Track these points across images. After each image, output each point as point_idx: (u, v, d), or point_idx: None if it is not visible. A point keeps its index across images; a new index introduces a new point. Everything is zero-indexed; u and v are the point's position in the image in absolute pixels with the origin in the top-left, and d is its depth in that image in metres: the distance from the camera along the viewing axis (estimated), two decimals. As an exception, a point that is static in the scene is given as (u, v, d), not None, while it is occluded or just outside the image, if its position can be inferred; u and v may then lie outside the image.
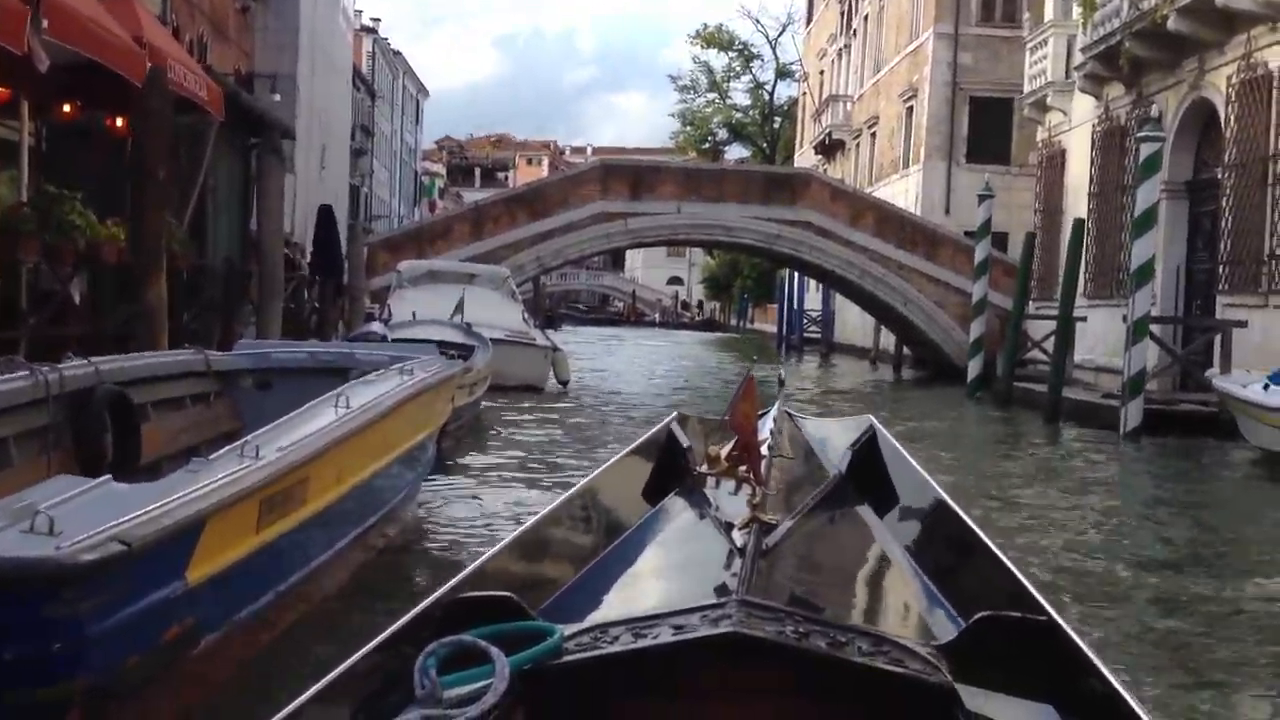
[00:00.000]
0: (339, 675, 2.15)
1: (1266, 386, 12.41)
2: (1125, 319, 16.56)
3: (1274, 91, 16.91)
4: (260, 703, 2.97)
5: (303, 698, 2.04)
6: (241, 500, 4.27)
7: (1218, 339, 17.18)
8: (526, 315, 21.43)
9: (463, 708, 1.99)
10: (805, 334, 45.35)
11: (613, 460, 4.20)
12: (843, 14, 48.01)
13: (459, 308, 17.72)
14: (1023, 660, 2.40)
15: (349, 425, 5.37)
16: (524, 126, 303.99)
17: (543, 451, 12.40)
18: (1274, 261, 16.79)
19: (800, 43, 60.18)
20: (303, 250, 22.87)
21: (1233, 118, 18.04)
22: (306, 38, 29.03)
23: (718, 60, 68.58)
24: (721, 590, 2.53)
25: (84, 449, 5.83)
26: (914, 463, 4.07)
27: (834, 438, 4.56)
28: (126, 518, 3.55)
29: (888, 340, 34.32)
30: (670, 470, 4.05)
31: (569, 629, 2.29)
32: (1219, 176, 18.83)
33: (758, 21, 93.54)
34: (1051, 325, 21.15)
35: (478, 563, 2.80)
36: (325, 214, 20.53)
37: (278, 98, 25.80)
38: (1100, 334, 22.22)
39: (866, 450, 4.24)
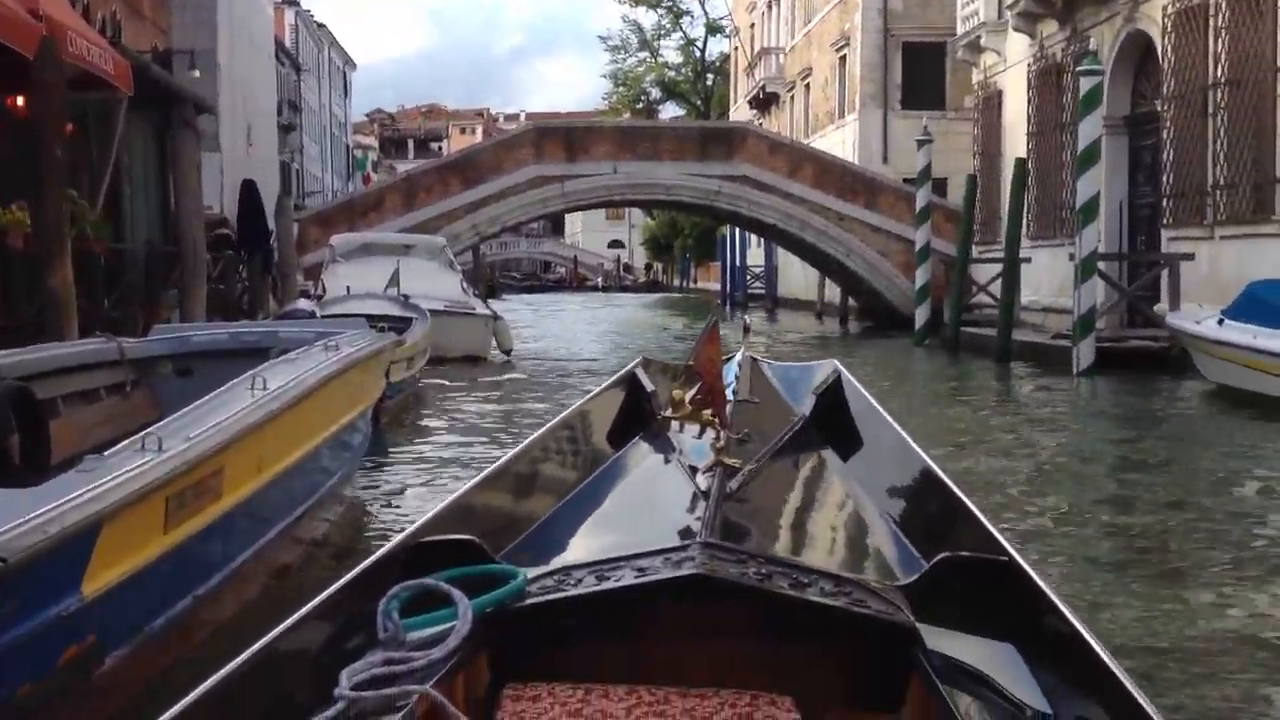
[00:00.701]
0: (301, 619, 2.10)
1: (1221, 321, 12.21)
2: (1072, 258, 16.36)
3: (1210, 20, 16.71)
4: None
5: (264, 640, 2.00)
6: (143, 499, 3.85)
7: (1164, 273, 17.03)
8: (465, 284, 21.00)
9: (425, 650, 2.01)
10: (749, 290, 45.15)
11: (578, 404, 4.13)
12: (771, -35, 47.57)
13: (394, 280, 17.25)
14: (983, 599, 2.40)
15: (267, 408, 4.94)
16: (456, 96, 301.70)
17: (487, 424, 12.00)
18: (1218, 192, 16.63)
19: (729, -3, 59.64)
20: (234, 229, 22.25)
21: (1170, 49, 17.84)
22: (225, 12, 28.28)
23: (647, 18, 67.94)
24: (685, 533, 2.49)
25: (-16, 451, 5.37)
26: (878, 407, 4.02)
27: (799, 382, 4.50)
28: (4, 528, 3.14)
29: (832, 293, 34.12)
30: (635, 414, 4.02)
31: (532, 572, 2.28)
32: (1158, 109, 18.65)
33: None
34: (996, 269, 20.99)
35: (441, 506, 2.77)
36: (248, 188, 19.91)
37: (197, 74, 25.11)
38: (1045, 274, 22.08)
39: (831, 394, 4.21)
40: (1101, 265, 16.79)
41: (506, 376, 16.95)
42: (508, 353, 19.52)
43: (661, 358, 5.63)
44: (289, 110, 48.61)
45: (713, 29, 65.44)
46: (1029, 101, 23.20)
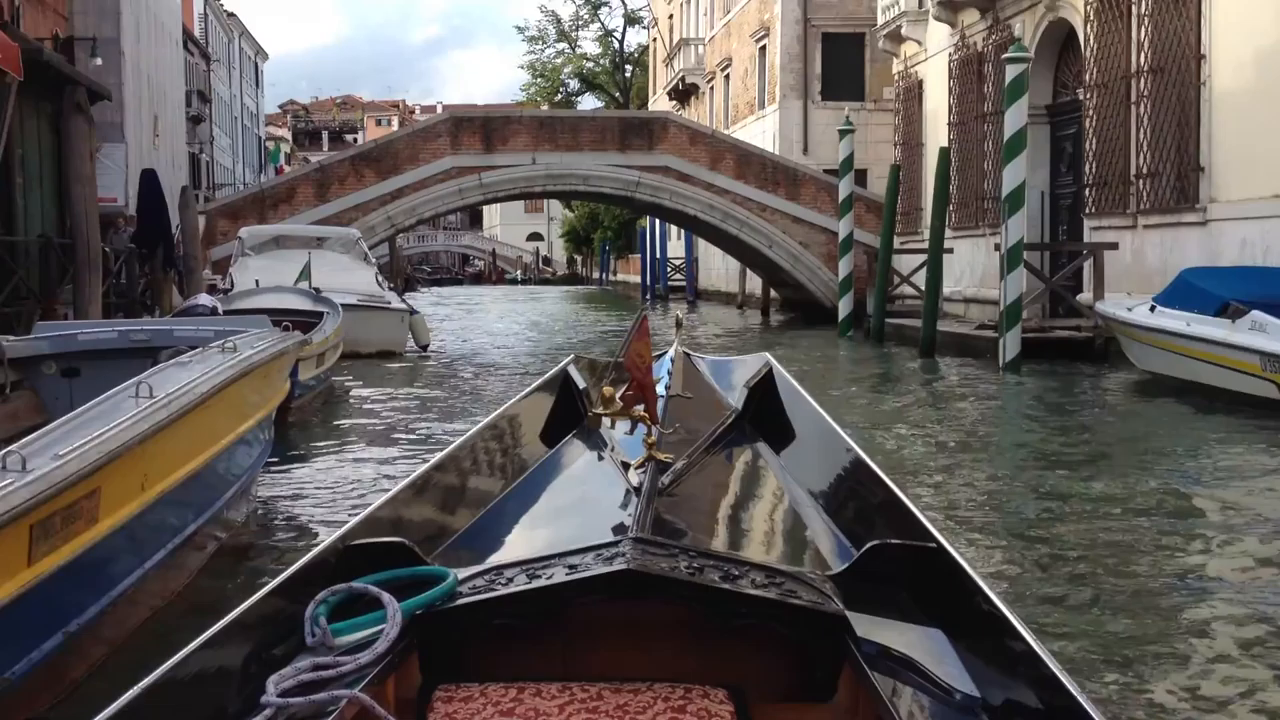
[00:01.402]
0: (227, 625, 2.06)
1: (1153, 309, 12.04)
2: (997, 248, 16.17)
3: (1133, 7, 16.62)
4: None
5: (189, 648, 1.95)
6: (3, 529, 3.38)
7: (1088, 263, 16.93)
8: (381, 278, 20.48)
9: (354, 654, 1.99)
10: (670, 283, 44.83)
11: (509, 403, 4.07)
12: (689, -45, 47.22)
13: (305, 273, 16.74)
14: (912, 586, 2.43)
15: (151, 420, 4.47)
16: (372, 88, 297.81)
17: (400, 423, 11.51)
18: (1141, 181, 16.56)
19: (647, -13, 59.22)
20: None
21: (1092, 37, 17.75)
22: (130, -1, 27.30)
23: (565, 8, 67.49)
24: (618, 530, 2.47)
25: None
26: (810, 399, 4.03)
27: (731, 376, 4.47)
28: None
29: (754, 285, 33.89)
30: (567, 412, 3.99)
31: (463, 573, 2.26)
32: (1080, 98, 18.58)
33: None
34: (918, 259, 20.83)
35: (370, 509, 2.72)
36: (148, 179, 19.11)
37: (99, 62, 24.31)
38: (966, 264, 21.99)
39: (763, 388, 4.19)
40: (1025, 255, 16.63)
41: (423, 373, 16.44)
42: (424, 348, 19.04)
43: (592, 354, 5.46)
44: (198, 101, 47.35)
45: (631, 20, 65.11)
46: (950, 91, 23.09)
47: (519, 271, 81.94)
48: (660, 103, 50.74)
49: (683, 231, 39.10)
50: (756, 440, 3.82)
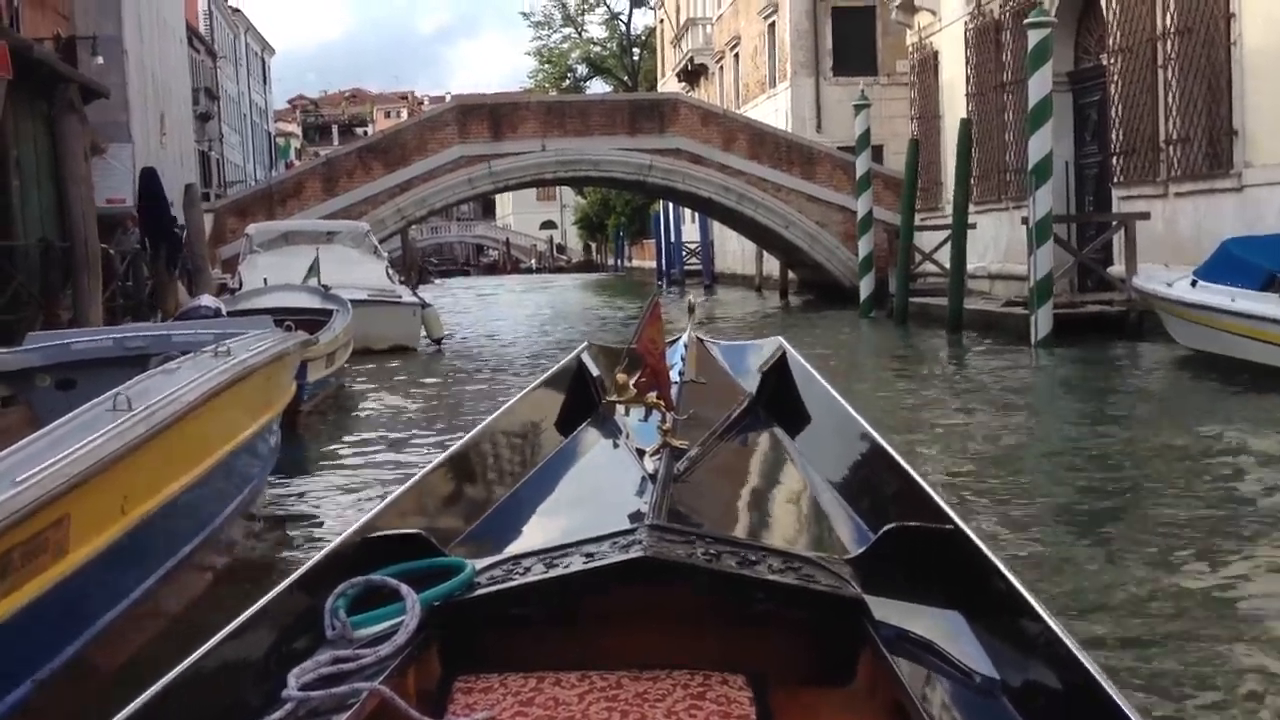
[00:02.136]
0: (247, 620, 2.07)
1: (1194, 283, 11.51)
2: (1024, 221, 15.65)
3: (1157, -32, 16.07)
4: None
5: (210, 643, 1.96)
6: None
7: (1118, 235, 16.41)
8: (392, 271, 20.10)
9: (374, 646, 1.99)
10: (685, 267, 44.35)
11: (523, 393, 4.05)
12: (694, -66, 46.64)
13: (314, 269, 16.35)
14: (930, 569, 2.41)
15: (130, 434, 4.05)
16: (381, 80, 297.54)
17: (417, 421, 11.12)
18: (1171, 147, 16.02)
19: (653, -32, 58.65)
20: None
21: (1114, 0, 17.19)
22: (131, -4, 26.92)
23: (570, -8, 66.85)
24: (634, 517, 2.44)
25: None
26: (824, 382, 4.01)
27: (745, 361, 4.47)
28: None
29: (771, 267, 33.41)
30: (582, 400, 3.99)
31: (480, 563, 2.26)
32: (1103, 63, 18.03)
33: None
34: (939, 236, 20.34)
35: (388, 500, 2.73)
36: (148, 176, 18.70)
37: (100, 60, 23.95)
38: (990, 239, 21.46)
39: (777, 371, 4.19)
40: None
41: (437, 368, 16.05)
42: (438, 342, 18.64)
43: (607, 341, 5.32)
44: (206, 99, 47.02)
45: (637, 2, 64.55)
46: (967, 62, 22.54)
47: (533, 260, 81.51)
48: (669, 85, 50.22)
49: (697, 215, 38.60)
50: (771, 425, 3.82)
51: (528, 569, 2.19)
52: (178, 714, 1.81)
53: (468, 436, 3.42)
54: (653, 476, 2.71)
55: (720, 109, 32.24)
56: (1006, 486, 7.36)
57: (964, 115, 21.14)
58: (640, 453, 2.99)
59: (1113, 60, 17.46)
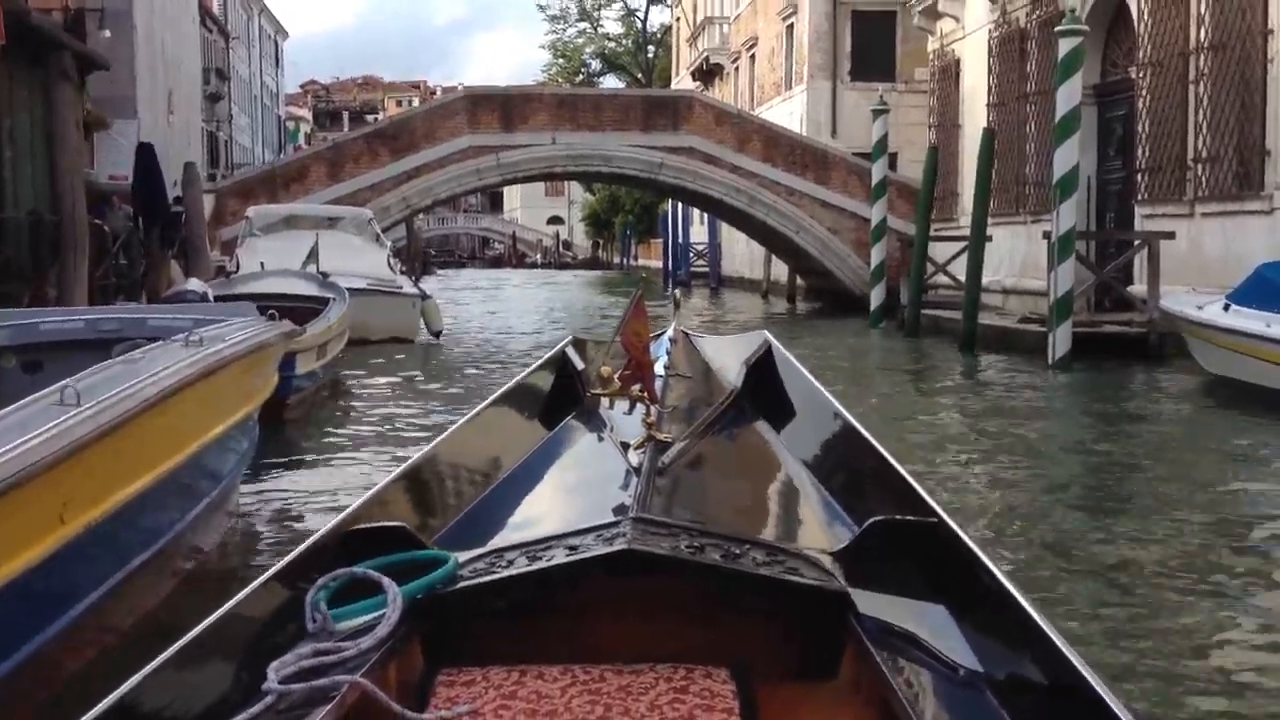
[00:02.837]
0: (227, 612, 2.04)
1: (1227, 307, 11.05)
2: (1046, 236, 15.18)
3: (1193, -20, 15.61)
4: None
5: (190, 635, 1.93)
6: None
7: (1141, 254, 15.94)
8: (393, 261, 19.66)
9: (356, 639, 1.98)
10: (692, 268, 43.88)
11: (507, 386, 4.01)
12: (715, -67, 46.17)
13: (312, 255, 15.92)
14: (915, 562, 2.40)
15: (72, 435, 3.59)
16: (394, 69, 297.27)
17: (409, 416, 10.68)
18: (1199, 166, 15.55)
19: (671, -35, 58.20)
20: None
21: (1146, 12, 16.73)
22: (141, -31, 26.54)
23: (587, -13, 66.50)
24: (618, 510, 2.45)
25: None
26: (808, 375, 3.99)
27: (730, 354, 4.43)
28: None
29: (779, 272, 32.95)
30: (566, 394, 3.98)
31: (463, 556, 2.26)
32: (1132, 76, 17.56)
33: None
34: (953, 248, 19.87)
35: (370, 494, 2.68)
36: (144, 152, 18.23)
37: (107, 34, 23.55)
38: (1006, 253, 20.98)
39: (762, 365, 4.17)
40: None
41: (434, 360, 15.61)
42: (437, 334, 18.22)
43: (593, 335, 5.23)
44: (216, 79, 46.62)
45: (654, -1, 64.13)
46: (990, 70, 22.07)
47: (539, 255, 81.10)
48: (683, 83, 49.76)
49: (705, 216, 38.14)
50: (756, 418, 3.81)
51: (511, 562, 2.19)
52: (158, 704, 1.80)
53: (451, 430, 3.40)
54: (637, 470, 2.71)
55: (735, 109, 31.74)
56: (1016, 510, 6.93)
57: (985, 125, 20.65)
58: (624, 446, 2.98)
59: (1141, 74, 17.00)
